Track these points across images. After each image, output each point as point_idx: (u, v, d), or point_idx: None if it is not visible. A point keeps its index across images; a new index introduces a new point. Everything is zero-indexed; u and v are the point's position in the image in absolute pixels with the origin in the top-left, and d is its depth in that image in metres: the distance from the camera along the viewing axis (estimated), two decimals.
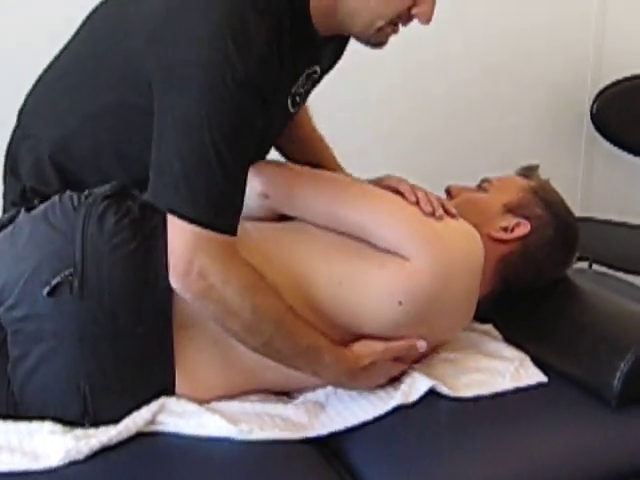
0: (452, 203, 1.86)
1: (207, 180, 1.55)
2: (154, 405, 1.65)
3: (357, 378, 1.74)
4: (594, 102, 3.32)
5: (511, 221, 1.86)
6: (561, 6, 3.35)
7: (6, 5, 2.66)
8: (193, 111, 1.54)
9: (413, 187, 1.81)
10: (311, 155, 2.01)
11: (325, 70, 1.85)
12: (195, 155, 1.55)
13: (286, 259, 1.74)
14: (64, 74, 1.82)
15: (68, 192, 1.74)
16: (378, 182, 1.86)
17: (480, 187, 1.95)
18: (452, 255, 1.73)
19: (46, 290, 1.60)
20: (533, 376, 1.82)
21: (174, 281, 1.59)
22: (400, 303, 1.71)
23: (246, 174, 1.61)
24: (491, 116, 3.39)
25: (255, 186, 1.79)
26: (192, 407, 1.67)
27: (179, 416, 1.65)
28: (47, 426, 1.61)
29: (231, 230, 1.59)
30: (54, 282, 1.60)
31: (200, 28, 1.56)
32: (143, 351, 1.65)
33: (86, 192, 1.73)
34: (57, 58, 1.87)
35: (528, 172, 1.98)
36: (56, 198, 1.71)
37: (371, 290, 1.71)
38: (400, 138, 3.07)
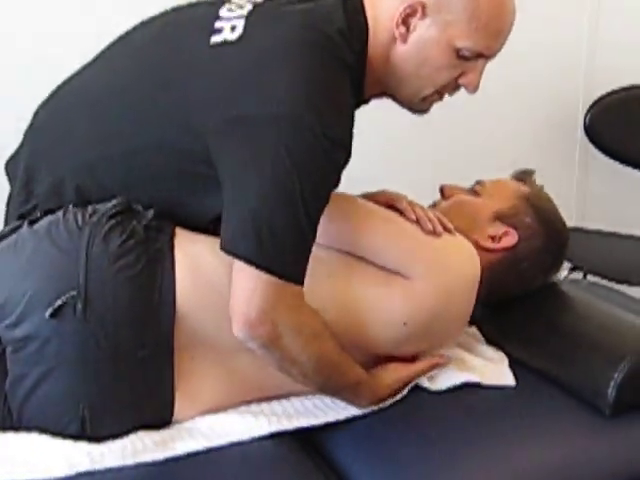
0: (445, 204, 1.90)
1: (294, 232, 1.56)
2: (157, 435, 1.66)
3: (383, 402, 1.77)
4: (587, 113, 3.33)
5: (499, 229, 1.87)
6: (554, 17, 3.36)
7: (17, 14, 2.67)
8: (281, 161, 1.54)
9: (411, 204, 1.82)
10: None
11: None
12: (282, 204, 1.55)
13: None
14: (96, 102, 1.78)
15: (72, 208, 1.73)
16: (375, 197, 1.86)
17: (473, 190, 1.96)
18: (453, 274, 1.76)
19: (49, 312, 1.59)
20: (504, 378, 1.86)
21: (240, 329, 1.59)
22: (405, 324, 1.73)
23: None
24: (484, 127, 3.40)
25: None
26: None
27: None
28: (47, 438, 1.61)
29: (303, 280, 1.60)
30: (57, 304, 1.59)
31: (287, 81, 1.57)
32: (144, 374, 1.64)
33: (90, 209, 1.72)
34: (81, 77, 1.85)
35: (523, 176, 1.98)
36: (60, 214, 1.70)
37: (375, 312, 1.73)
38: (392, 147, 3.07)
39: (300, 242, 1.58)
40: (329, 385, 1.72)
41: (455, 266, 1.77)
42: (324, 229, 1.71)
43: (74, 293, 1.60)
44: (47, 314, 1.59)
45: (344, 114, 1.61)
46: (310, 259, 1.62)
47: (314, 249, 1.62)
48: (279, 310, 1.58)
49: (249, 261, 1.56)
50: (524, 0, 3.21)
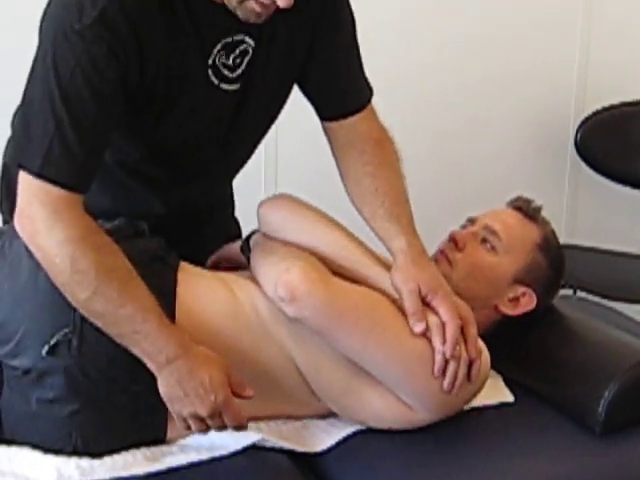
0: (462, 267, 1.84)
1: (39, 126, 1.54)
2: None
3: (170, 373, 1.58)
4: (578, 130, 3.34)
5: (518, 291, 1.85)
6: (545, 34, 3.37)
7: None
8: (41, 62, 1.54)
9: (448, 343, 1.65)
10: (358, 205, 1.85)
11: (272, 40, 1.71)
12: (35, 104, 1.55)
13: (297, 348, 1.71)
14: None
15: None
16: (424, 298, 1.68)
17: (488, 242, 1.86)
18: (459, 406, 1.74)
19: (45, 350, 1.59)
20: (501, 395, 1.85)
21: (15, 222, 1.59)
22: (390, 428, 1.72)
23: (104, 129, 1.58)
24: (475, 144, 3.41)
25: (291, 312, 1.66)
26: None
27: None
28: (39, 454, 1.61)
29: (66, 184, 1.54)
30: (53, 341, 1.59)
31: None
32: (136, 406, 1.63)
33: None
34: None
35: (531, 212, 1.91)
36: None
37: (367, 408, 1.71)
38: None
39: (50, 140, 1.53)
40: (93, 307, 1.56)
41: (465, 398, 1.73)
42: (347, 348, 1.68)
43: (70, 329, 1.59)
44: (44, 352, 1.59)
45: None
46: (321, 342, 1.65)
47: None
48: (34, 206, 1.54)
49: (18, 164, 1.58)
50: (516, 18, 3.29)
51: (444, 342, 1.63)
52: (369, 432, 1.74)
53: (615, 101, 3.36)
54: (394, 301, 1.69)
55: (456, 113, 3.34)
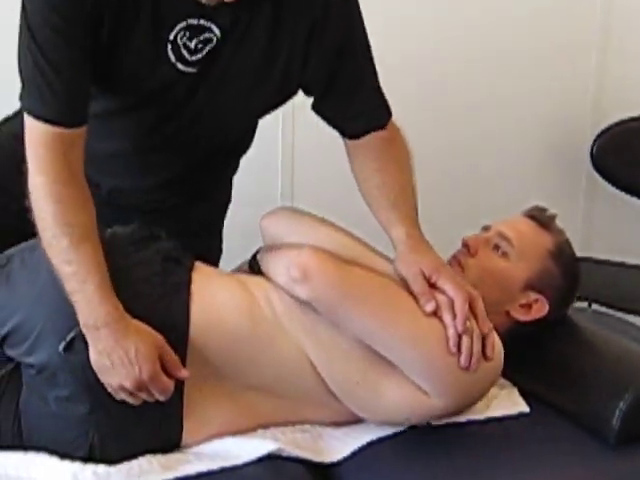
0: (474, 270, 1.84)
1: (25, 69, 1.64)
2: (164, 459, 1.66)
3: (99, 340, 1.59)
4: (594, 143, 3.34)
5: (530, 297, 1.85)
6: (561, 47, 3.38)
7: None
8: (22, 17, 1.62)
9: (458, 317, 1.66)
10: (367, 200, 1.88)
11: (240, 34, 1.72)
12: (20, 50, 1.64)
13: (311, 342, 1.72)
14: None
15: None
16: (429, 279, 1.71)
17: (500, 248, 1.87)
18: (476, 394, 1.74)
19: (62, 346, 1.61)
20: (517, 406, 1.85)
21: None
22: (407, 419, 1.73)
23: (78, 60, 1.63)
24: (491, 156, 3.42)
25: (304, 292, 1.69)
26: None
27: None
28: (54, 458, 1.63)
29: (50, 119, 1.62)
30: (69, 337, 1.61)
31: None
32: (153, 405, 1.64)
33: (108, 233, 1.73)
34: None
35: (545, 220, 1.92)
36: None
37: (383, 400, 1.70)
38: None
39: (36, 77, 1.62)
40: (51, 260, 1.60)
41: (480, 387, 1.73)
42: (365, 334, 1.68)
43: None
44: (60, 348, 1.61)
45: None
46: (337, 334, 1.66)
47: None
48: (29, 147, 1.63)
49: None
50: (532, 32, 3.29)
51: (454, 317, 1.65)
52: (384, 442, 1.74)
53: (631, 114, 3.36)
54: (401, 285, 1.71)
55: (472, 126, 3.35)
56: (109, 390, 1.60)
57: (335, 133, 1.91)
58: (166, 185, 1.97)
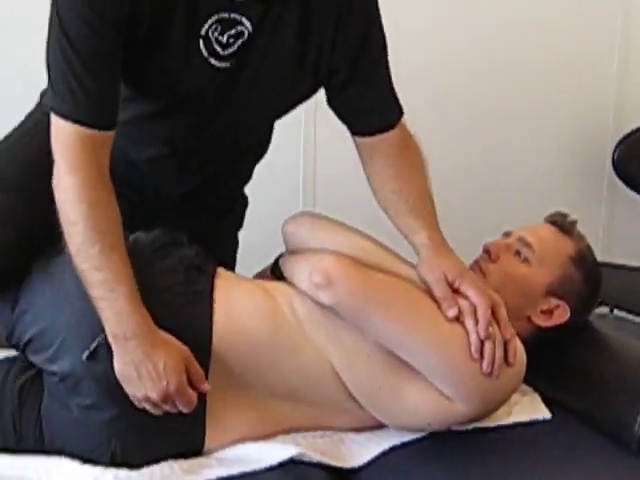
0: (495, 276, 1.84)
1: (55, 68, 1.59)
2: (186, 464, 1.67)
3: (126, 351, 1.59)
4: (616, 149, 3.33)
5: (551, 303, 1.85)
6: (582, 53, 3.37)
7: None
8: (51, 9, 1.58)
9: (481, 323, 1.66)
10: (383, 205, 1.88)
11: (273, 33, 1.71)
12: (50, 50, 1.59)
13: (333, 348, 1.72)
14: None
15: None
16: (452, 284, 1.72)
17: (520, 253, 1.87)
18: (499, 400, 1.73)
19: (85, 355, 1.61)
20: (539, 412, 1.84)
21: None
22: (429, 425, 1.72)
23: (111, 61, 1.61)
24: (513, 163, 3.41)
25: (327, 298, 1.69)
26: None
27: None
28: (75, 463, 1.64)
29: (83, 120, 1.59)
30: (93, 346, 1.61)
31: None
32: (173, 416, 1.64)
33: (131, 240, 1.74)
34: None
35: (566, 226, 1.92)
36: None
37: (405, 405, 1.70)
38: None
39: (64, 79, 1.58)
40: (80, 265, 1.59)
41: (503, 393, 1.73)
42: (387, 340, 1.69)
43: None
44: (84, 357, 1.61)
45: None
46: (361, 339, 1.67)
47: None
48: (57, 148, 1.60)
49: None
50: (555, 36, 3.28)
51: (477, 323, 1.65)
52: (406, 447, 1.74)
53: None
54: (424, 290, 1.72)
55: (494, 134, 3.35)
56: (132, 400, 1.61)
57: None
58: (196, 190, 1.96)
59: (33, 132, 1.83)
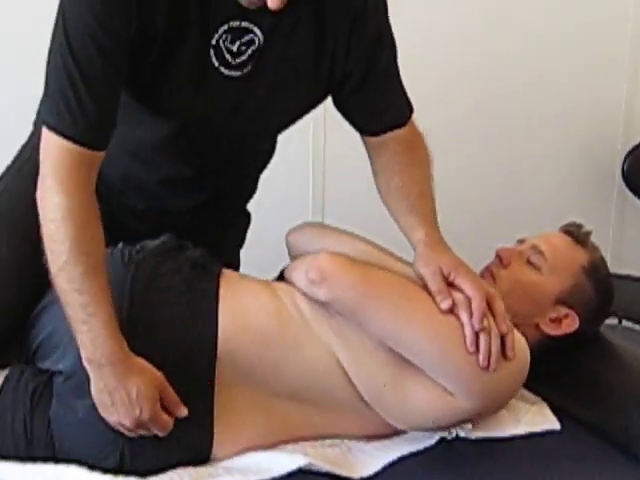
0: (505, 282, 1.85)
1: (54, 81, 1.57)
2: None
3: (100, 377, 1.58)
4: (625, 160, 3.33)
5: (561, 312, 1.85)
6: (593, 64, 3.38)
7: None
8: (56, 19, 1.56)
9: (475, 315, 1.65)
10: (385, 201, 1.89)
11: (285, 39, 1.69)
12: (52, 60, 1.57)
13: (339, 344, 1.73)
14: None
15: (120, 245, 1.77)
16: (447, 277, 1.71)
17: (532, 262, 1.88)
18: (501, 395, 1.72)
19: None
20: (548, 422, 1.84)
21: None
22: (433, 422, 1.72)
23: (113, 83, 1.59)
24: (521, 174, 3.42)
25: (322, 293, 1.71)
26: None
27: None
28: (83, 469, 1.63)
29: (77, 139, 1.56)
30: None
31: None
32: (178, 419, 1.64)
33: (137, 246, 1.75)
34: None
35: (581, 236, 1.92)
36: (108, 251, 1.72)
37: (409, 402, 1.70)
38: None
39: (60, 92, 1.56)
40: (60, 285, 1.57)
41: (506, 388, 1.71)
42: (383, 334, 1.69)
43: None
44: None
45: None
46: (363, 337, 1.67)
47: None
48: (46, 163, 1.58)
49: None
50: (565, 48, 3.29)
51: (471, 315, 1.65)
52: (415, 457, 1.74)
53: None
54: (420, 286, 1.71)
55: (505, 145, 3.36)
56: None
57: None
58: (205, 203, 1.97)
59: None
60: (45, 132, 1.58)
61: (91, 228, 1.58)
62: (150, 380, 1.59)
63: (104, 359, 1.57)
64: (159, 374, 1.61)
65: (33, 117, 1.83)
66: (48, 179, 1.57)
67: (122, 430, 1.61)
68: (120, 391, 1.57)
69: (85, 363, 1.58)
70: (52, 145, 1.58)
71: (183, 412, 1.62)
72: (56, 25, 1.57)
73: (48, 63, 1.59)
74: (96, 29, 1.54)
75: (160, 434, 1.61)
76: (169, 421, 1.61)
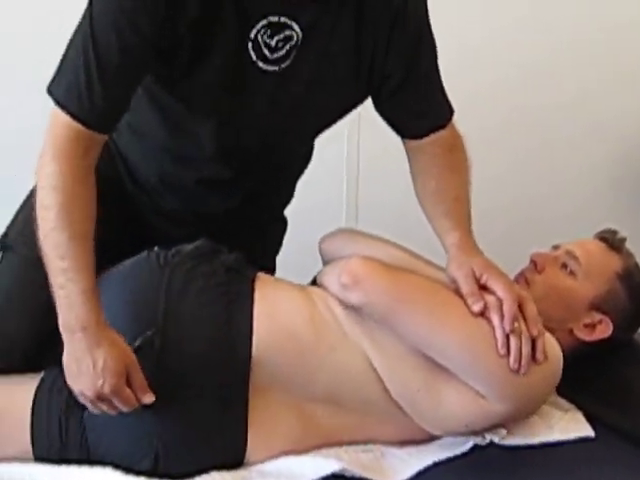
0: (540, 287, 1.85)
1: (71, 60, 1.59)
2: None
3: (72, 343, 1.59)
4: None
5: (595, 318, 1.85)
6: (628, 70, 3.36)
7: None
8: (87, 3, 1.58)
9: (506, 317, 1.66)
10: (422, 203, 1.91)
11: (323, 36, 1.70)
12: (74, 39, 1.60)
13: (373, 348, 1.73)
14: None
15: (156, 249, 1.78)
16: (479, 279, 1.72)
17: (566, 265, 1.88)
18: (534, 398, 1.72)
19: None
20: (582, 430, 1.83)
21: None
22: (466, 426, 1.72)
23: (128, 79, 1.62)
24: (554, 182, 3.41)
25: (355, 298, 1.71)
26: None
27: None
28: (118, 473, 1.64)
29: (80, 118, 1.59)
30: (136, 344, 1.62)
31: None
32: (218, 414, 1.66)
33: (173, 250, 1.76)
34: None
35: (616, 242, 1.92)
36: (145, 254, 1.75)
37: (443, 407, 1.70)
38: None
39: (76, 77, 1.58)
40: (45, 251, 1.59)
41: (538, 391, 1.72)
42: (415, 339, 1.69)
43: (153, 330, 1.63)
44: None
45: None
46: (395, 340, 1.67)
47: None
48: (49, 134, 1.61)
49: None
50: (597, 52, 3.28)
51: (502, 318, 1.65)
52: (449, 463, 1.73)
53: None
54: (453, 290, 1.72)
55: (542, 158, 3.36)
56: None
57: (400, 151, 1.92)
58: (241, 205, 1.98)
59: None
60: (53, 103, 1.61)
61: (82, 199, 1.60)
62: (119, 354, 1.58)
63: (78, 325, 1.56)
64: (130, 351, 1.60)
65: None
66: (47, 149, 1.60)
67: (83, 401, 1.60)
68: (87, 359, 1.56)
69: (60, 329, 1.59)
70: (55, 117, 1.61)
71: (148, 398, 1.61)
72: (86, 8, 1.59)
73: (71, 38, 1.61)
74: (122, 23, 1.56)
75: (123, 409, 1.59)
76: (132, 398, 1.59)
